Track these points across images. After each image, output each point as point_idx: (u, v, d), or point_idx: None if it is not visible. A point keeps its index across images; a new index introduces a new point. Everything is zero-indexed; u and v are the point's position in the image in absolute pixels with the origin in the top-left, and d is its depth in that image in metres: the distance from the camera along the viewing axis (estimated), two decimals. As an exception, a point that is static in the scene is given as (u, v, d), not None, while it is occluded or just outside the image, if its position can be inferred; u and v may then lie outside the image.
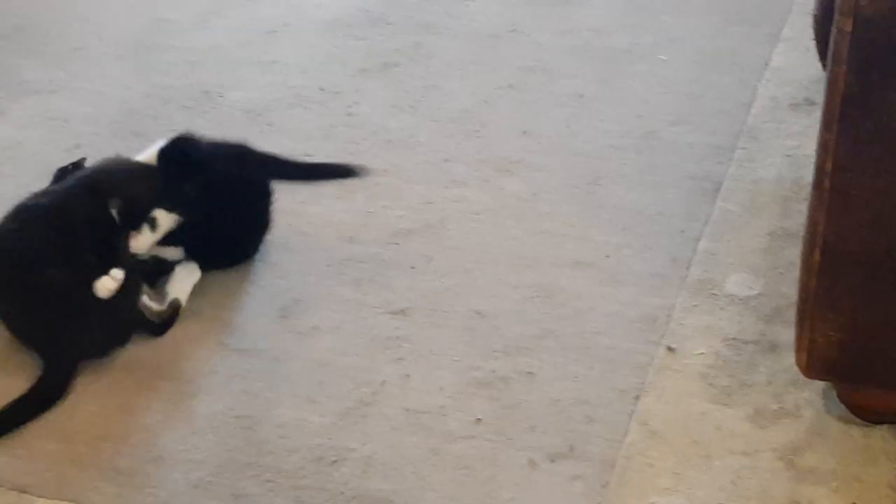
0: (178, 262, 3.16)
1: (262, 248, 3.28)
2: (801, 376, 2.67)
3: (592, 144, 3.70)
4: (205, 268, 3.17)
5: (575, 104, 3.92)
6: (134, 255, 3.02)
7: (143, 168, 3.16)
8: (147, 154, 3.18)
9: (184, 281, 3.13)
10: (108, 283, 2.88)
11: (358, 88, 4.06)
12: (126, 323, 2.99)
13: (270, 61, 4.24)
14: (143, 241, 3.03)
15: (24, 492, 2.61)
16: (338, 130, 3.84)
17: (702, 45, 4.22)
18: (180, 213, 3.08)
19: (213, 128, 3.80)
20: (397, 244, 3.31)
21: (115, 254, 2.96)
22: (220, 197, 3.17)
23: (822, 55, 2.84)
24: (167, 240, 3.11)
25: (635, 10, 4.48)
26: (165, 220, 3.06)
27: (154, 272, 3.13)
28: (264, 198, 3.30)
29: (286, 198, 3.46)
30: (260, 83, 4.11)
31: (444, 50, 4.27)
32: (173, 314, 3.05)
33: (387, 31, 4.39)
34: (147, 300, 3.03)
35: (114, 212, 3.00)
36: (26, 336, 2.96)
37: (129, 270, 2.96)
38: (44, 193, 3.09)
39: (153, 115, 3.85)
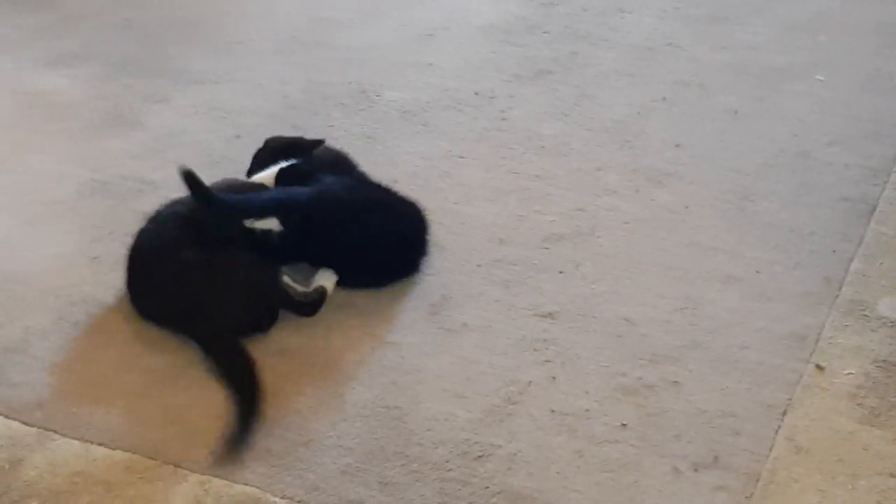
0: None
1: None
2: (953, 402, 2.66)
3: (745, 160, 3.69)
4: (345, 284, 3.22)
5: (729, 120, 3.92)
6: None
7: (252, 185, 3.30)
8: (263, 175, 3.30)
9: (328, 273, 3.19)
10: None
11: (512, 94, 4.10)
12: (267, 301, 3.08)
13: (427, 63, 4.30)
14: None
15: (179, 466, 2.69)
16: (491, 134, 3.88)
17: (860, 66, 4.19)
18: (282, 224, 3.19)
19: (369, 126, 3.89)
20: (547, 248, 3.34)
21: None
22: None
23: None
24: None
25: (793, 29, 4.46)
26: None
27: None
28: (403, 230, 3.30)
29: (439, 197, 3.52)
30: (416, 84, 4.17)
31: (599, 60, 4.30)
32: (319, 298, 3.13)
33: (543, 40, 4.43)
34: (290, 280, 3.11)
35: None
36: (174, 320, 3.06)
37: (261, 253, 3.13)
38: (174, 203, 3.22)
39: (312, 110, 3.92)
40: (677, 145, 3.78)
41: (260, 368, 2.90)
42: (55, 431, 2.78)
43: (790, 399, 2.82)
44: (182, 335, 3.01)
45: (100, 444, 2.74)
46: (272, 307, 3.09)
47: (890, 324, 3.03)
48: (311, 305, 3.12)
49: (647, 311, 3.11)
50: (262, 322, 3.07)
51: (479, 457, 2.70)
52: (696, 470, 2.66)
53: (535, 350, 2.99)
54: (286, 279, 3.12)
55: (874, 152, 3.70)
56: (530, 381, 2.90)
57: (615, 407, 2.82)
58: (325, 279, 3.16)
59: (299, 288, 3.13)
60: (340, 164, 3.43)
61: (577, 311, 3.12)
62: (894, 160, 3.65)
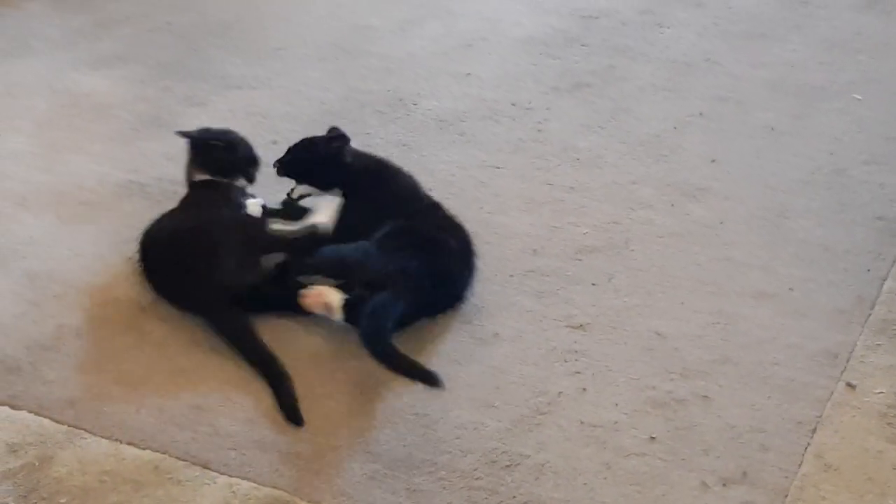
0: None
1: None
2: (985, 423, 2.64)
3: (781, 177, 3.69)
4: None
5: (766, 136, 3.91)
6: None
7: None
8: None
9: (323, 208, 3.30)
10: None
11: (549, 106, 4.10)
12: (253, 248, 3.19)
13: (465, 73, 4.31)
14: None
15: (207, 468, 2.70)
16: (527, 145, 3.88)
17: (899, 86, 4.18)
18: None
19: (406, 134, 3.90)
20: (580, 260, 3.34)
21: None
22: None
23: None
24: None
25: (832, 47, 4.45)
26: None
27: None
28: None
29: (473, 207, 3.53)
30: (454, 94, 4.18)
31: (637, 74, 4.29)
32: (309, 234, 3.23)
33: (582, 53, 4.43)
34: (280, 225, 3.27)
35: None
36: (178, 293, 3.15)
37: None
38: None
39: (349, 117, 3.92)
40: (713, 161, 3.78)
41: (290, 374, 2.92)
42: (85, 430, 2.80)
43: (820, 416, 2.82)
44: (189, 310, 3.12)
45: (129, 444, 2.77)
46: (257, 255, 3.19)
47: (923, 344, 3.03)
48: (300, 241, 3.22)
49: (678, 325, 3.10)
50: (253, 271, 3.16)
51: (508, 466, 2.71)
52: (724, 485, 2.65)
53: (565, 361, 3.00)
54: (275, 225, 3.26)
55: (911, 172, 3.69)
56: (560, 392, 2.90)
57: (644, 420, 2.82)
58: (320, 215, 3.27)
59: (288, 228, 3.25)
60: (381, 171, 3.45)
61: (609, 323, 3.12)
62: (931, 181, 3.64)
